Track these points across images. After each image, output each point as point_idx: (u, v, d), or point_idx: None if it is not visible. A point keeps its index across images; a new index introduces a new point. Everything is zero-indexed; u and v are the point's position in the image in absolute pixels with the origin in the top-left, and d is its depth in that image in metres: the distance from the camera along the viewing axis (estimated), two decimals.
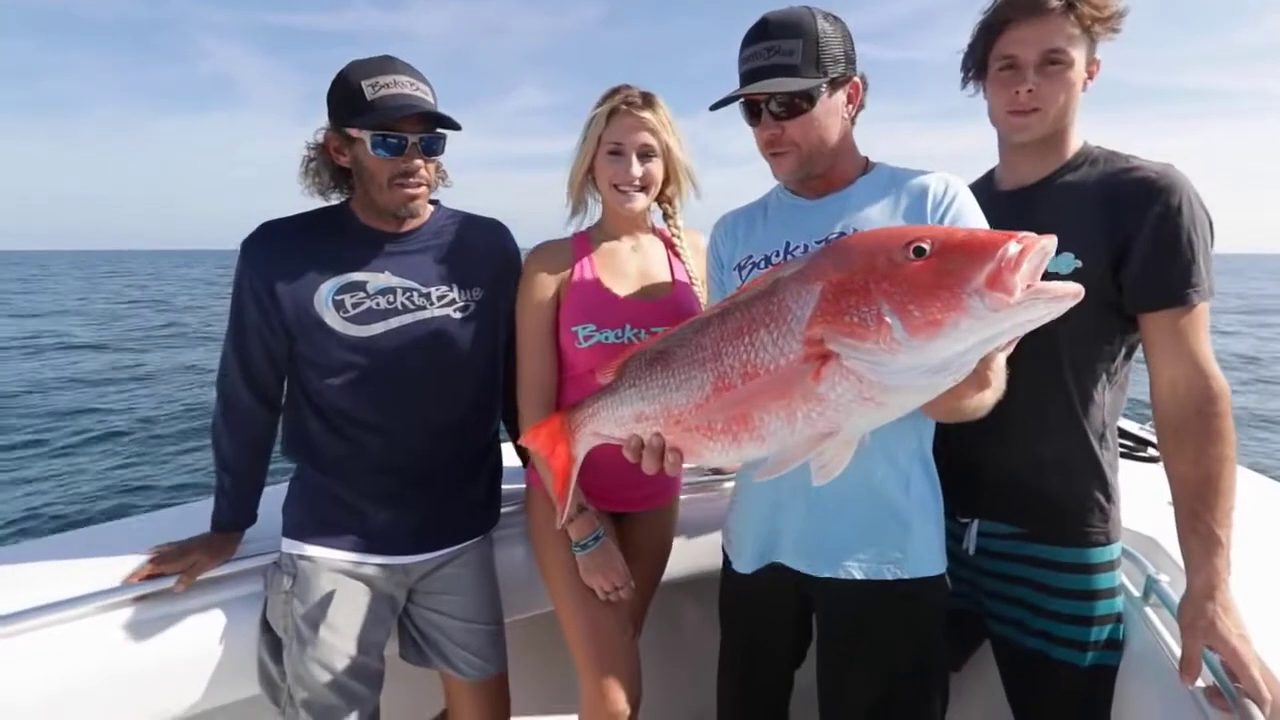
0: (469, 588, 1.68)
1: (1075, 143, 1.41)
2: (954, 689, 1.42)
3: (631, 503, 1.74)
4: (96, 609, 1.44)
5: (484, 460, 1.74)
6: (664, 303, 1.64)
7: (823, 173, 1.34)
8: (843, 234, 1.28)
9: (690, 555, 1.95)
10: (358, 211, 1.58)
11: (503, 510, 1.82)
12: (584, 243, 1.67)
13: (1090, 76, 1.37)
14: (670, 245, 1.74)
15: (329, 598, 1.52)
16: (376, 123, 1.43)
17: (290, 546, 1.57)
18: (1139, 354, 1.39)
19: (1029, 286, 0.77)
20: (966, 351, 0.83)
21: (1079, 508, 1.39)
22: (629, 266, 1.66)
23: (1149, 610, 1.44)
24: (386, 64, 1.46)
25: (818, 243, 1.30)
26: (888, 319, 0.84)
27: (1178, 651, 1.25)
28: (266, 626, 1.57)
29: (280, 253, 1.52)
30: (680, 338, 1.10)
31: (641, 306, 1.61)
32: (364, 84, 1.42)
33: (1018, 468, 1.42)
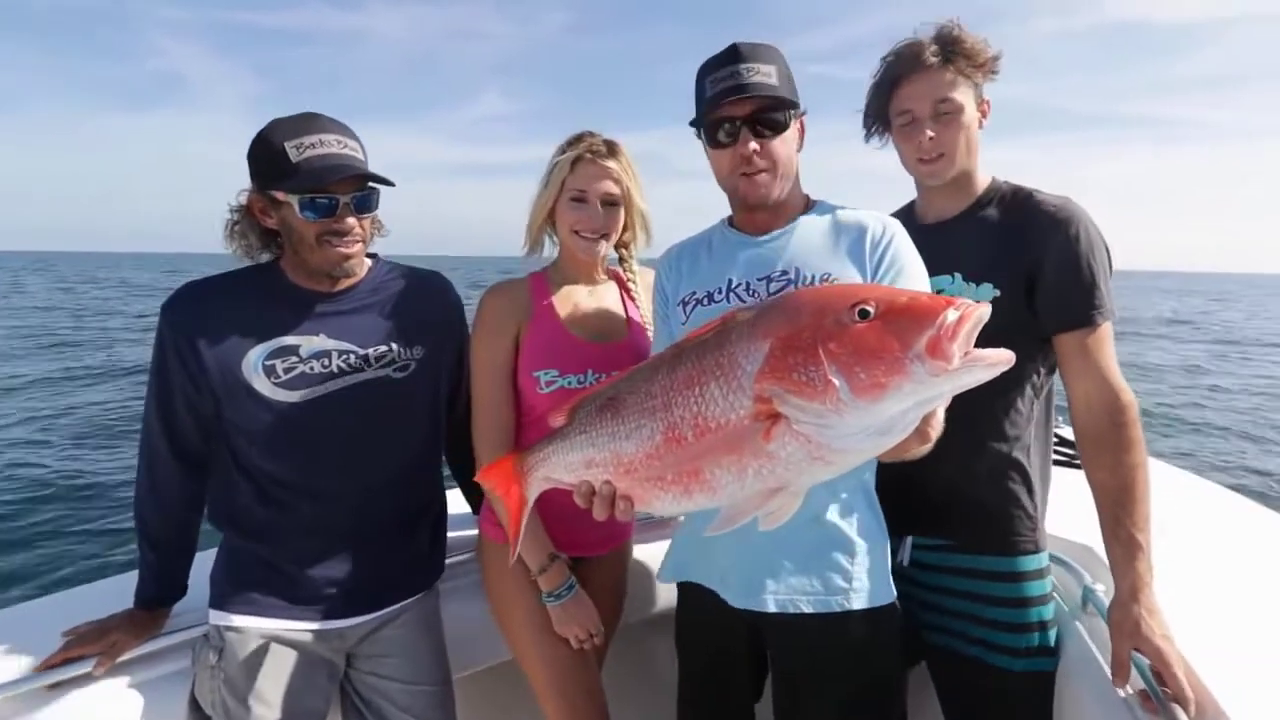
0: (411, 648, 1.62)
1: (983, 178, 1.55)
2: None
3: (589, 546, 1.73)
4: (5, 700, 1.32)
5: (424, 513, 1.69)
6: (622, 346, 1.65)
7: (773, 206, 1.37)
8: (784, 273, 1.32)
9: (650, 593, 1.95)
10: (288, 271, 1.53)
11: (448, 561, 1.77)
12: (542, 284, 1.67)
13: (984, 115, 1.50)
14: (624, 287, 1.76)
15: (259, 670, 1.44)
16: (305, 186, 1.38)
17: (217, 618, 1.49)
18: None
19: (966, 354, 0.81)
20: (907, 412, 0.87)
21: (1006, 517, 1.48)
22: (587, 310, 1.67)
23: (1085, 619, 1.51)
24: (311, 122, 1.41)
25: (759, 280, 1.33)
26: (834, 380, 0.86)
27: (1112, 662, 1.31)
28: (195, 705, 1.47)
29: (206, 314, 1.45)
30: (630, 385, 1.10)
31: (602, 350, 1.62)
32: (287, 145, 1.37)
33: (951, 481, 1.49)
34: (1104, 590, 1.50)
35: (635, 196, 1.62)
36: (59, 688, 1.38)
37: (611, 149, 1.59)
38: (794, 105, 1.31)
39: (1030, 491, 1.49)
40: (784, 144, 1.32)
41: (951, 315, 0.82)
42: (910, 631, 1.59)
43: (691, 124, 1.37)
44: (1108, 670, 1.33)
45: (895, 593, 1.35)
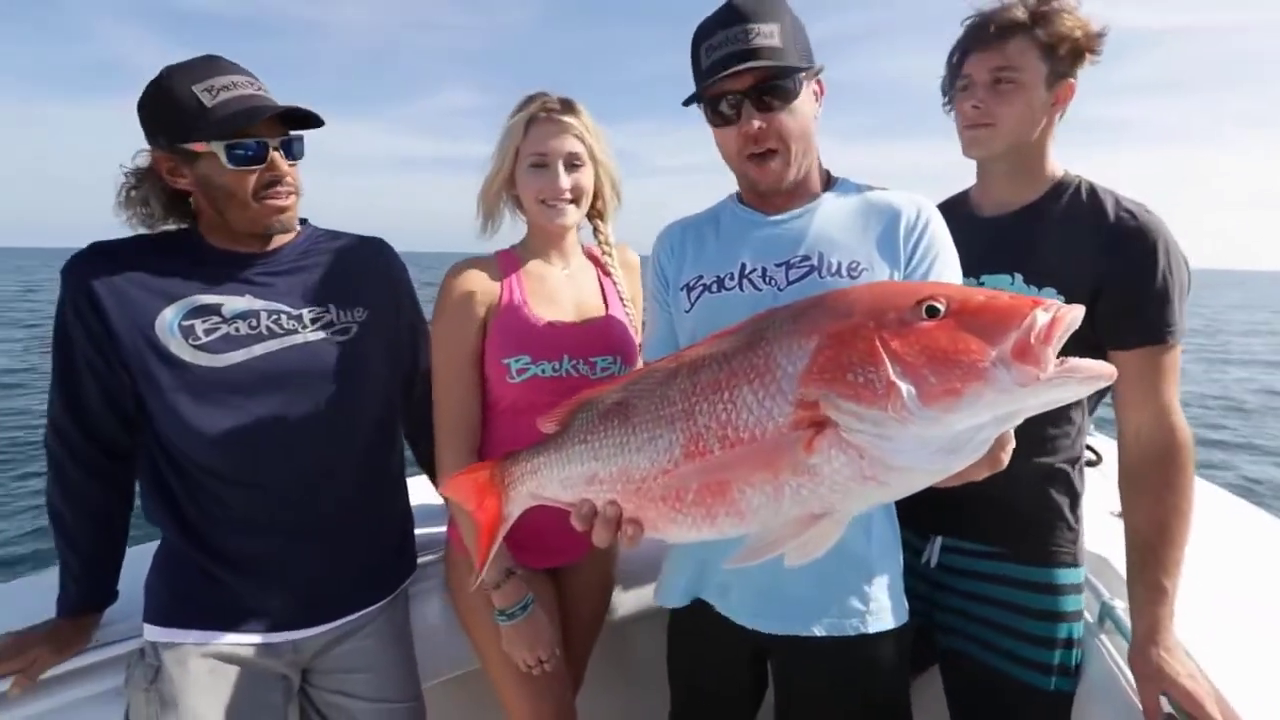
0: (378, 662, 1.46)
1: (1055, 169, 1.40)
2: None
3: (570, 552, 1.58)
4: None
5: (382, 506, 1.51)
6: (600, 327, 1.49)
7: (799, 179, 1.21)
8: (806, 258, 1.17)
9: (638, 589, 1.83)
10: (206, 235, 1.34)
11: (420, 559, 1.61)
12: (510, 261, 1.49)
13: (1060, 100, 1.35)
14: (600, 265, 1.60)
15: (201, 693, 1.27)
16: (228, 131, 1.20)
17: (152, 633, 1.31)
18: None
19: (1061, 362, 0.69)
20: (982, 428, 0.74)
21: (1048, 526, 1.39)
22: (561, 289, 1.50)
23: (1104, 638, 1.44)
24: (215, 64, 1.24)
25: (778, 265, 1.18)
26: (898, 382, 0.73)
27: (1134, 681, 1.26)
28: None
29: (112, 274, 1.25)
30: (643, 387, 0.95)
31: (578, 332, 1.45)
32: (196, 90, 1.19)
33: (991, 487, 1.39)
34: (1123, 608, 1.42)
35: (600, 154, 1.46)
36: None
37: (568, 105, 1.42)
38: (804, 68, 1.13)
39: (1074, 504, 1.40)
40: (795, 116, 1.14)
41: (1042, 317, 0.70)
42: (922, 633, 1.51)
43: (687, 102, 1.19)
44: (1129, 694, 1.28)
45: (909, 612, 1.26)
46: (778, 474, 0.82)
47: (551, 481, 1.03)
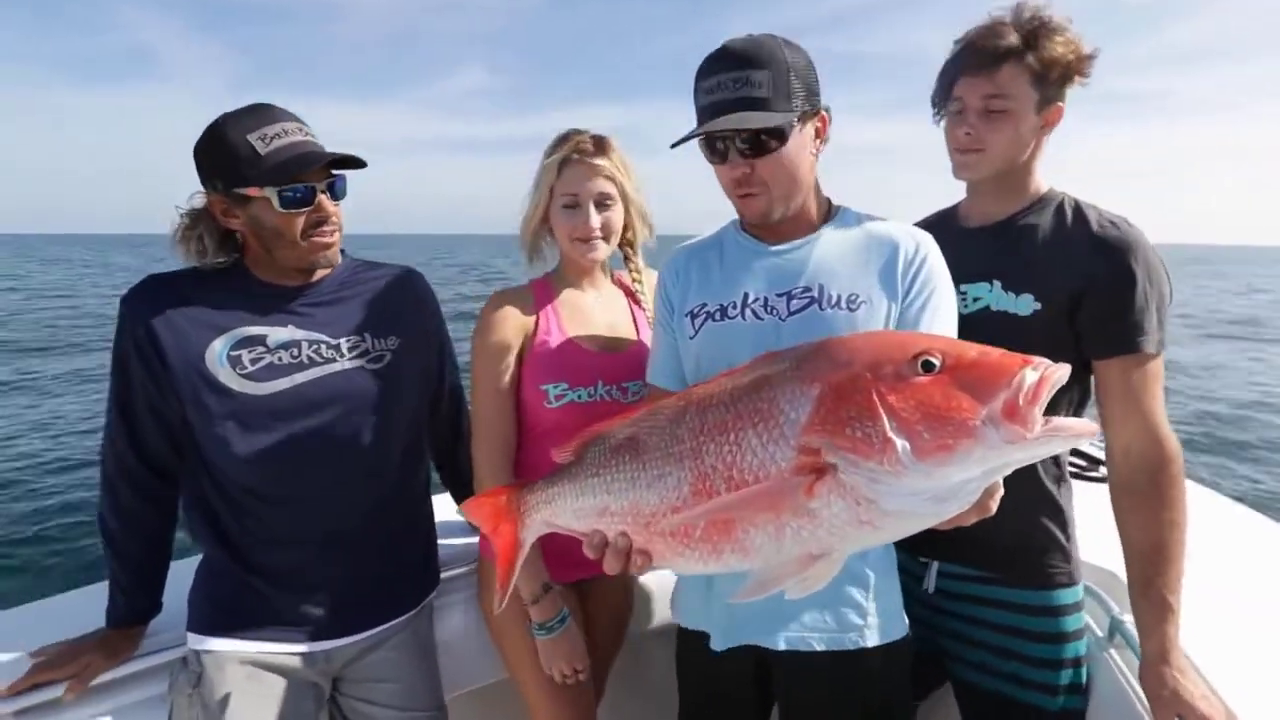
0: (404, 672, 1.54)
1: (1039, 184, 1.43)
2: None
3: (594, 565, 1.64)
4: None
5: (411, 522, 1.59)
6: (631, 355, 1.56)
7: (788, 219, 1.26)
8: (807, 290, 1.21)
9: (651, 604, 1.88)
10: (253, 269, 1.43)
11: (444, 574, 1.69)
12: (546, 291, 1.57)
13: (1049, 123, 1.37)
14: (630, 294, 1.66)
15: (240, 698, 1.35)
16: (281, 178, 1.29)
17: (195, 642, 1.39)
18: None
19: (1047, 422, 0.72)
20: (971, 480, 0.78)
21: (1040, 549, 1.40)
22: (595, 318, 1.57)
23: (1114, 653, 1.45)
24: (266, 113, 1.32)
25: (779, 296, 1.23)
26: (894, 437, 0.77)
27: (1144, 697, 1.28)
28: None
29: (167, 306, 1.35)
30: (652, 424, 0.99)
31: (611, 361, 1.53)
32: (251, 139, 1.28)
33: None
34: (1132, 622, 1.43)
35: (632, 194, 1.53)
36: (25, 714, 1.29)
37: (600, 146, 1.49)
38: (791, 116, 1.15)
39: (1064, 525, 1.41)
40: (778, 163, 1.17)
41: (1031, 376, 0.74)
42: (932, 659, 1.55)
43: (678, 144, 1.22)
44: (1140, 709, 1.29)
45: (908, 624, 1.30)
46: (780, 515, 0.86)
47: (565, 511, 1.08)
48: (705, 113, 1.17)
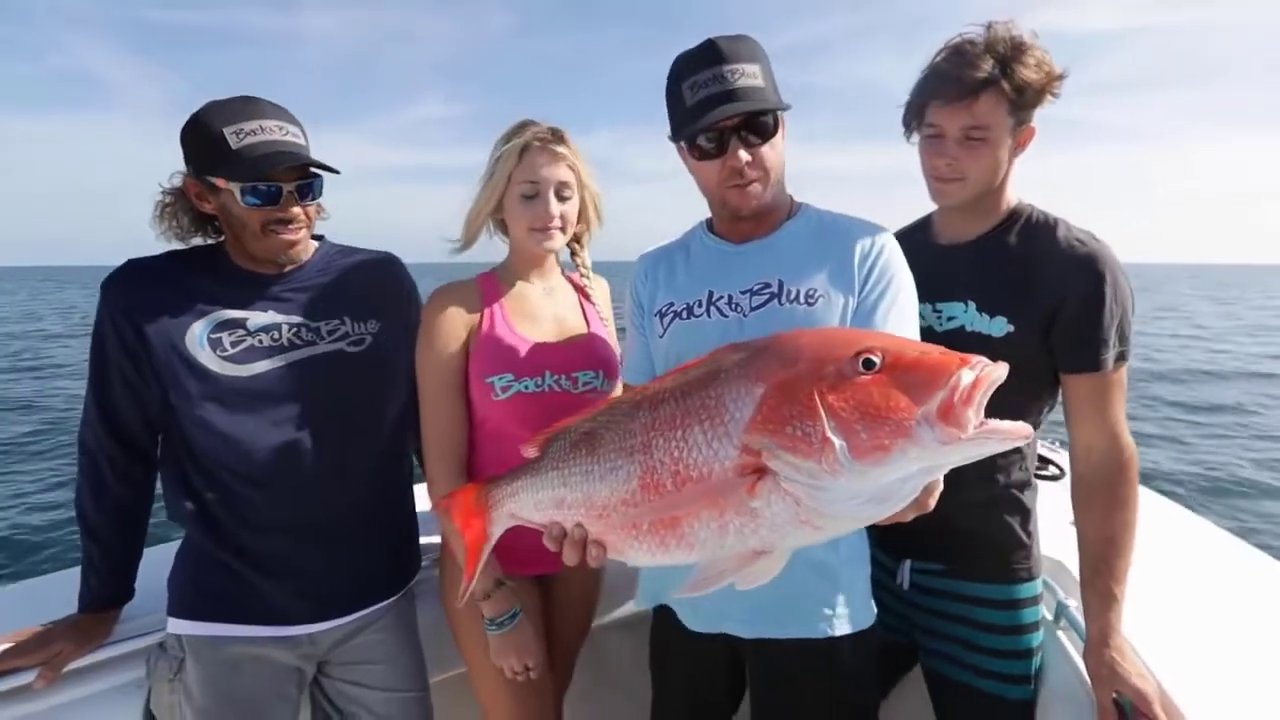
0: (390, 654, 1.55)
1: (1010, 200, 1.44)
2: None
3: (558, 560, 1.64)
4: None
5: (396, 508, 1.60)
6: (580, 344, 1.55)
7: (768, 206, 1.27)
8: (767, 285, 1.23)
9: (624, 596, 1.89)
10: (232, 254, 1.44)
11: (424, 561, 1.70)
12: (491, 285, 1.54)
13: (1022, 145, 1.39)
14: (580, 289, 1.66)
15: (222, 681, 1.37)
16: (246, 174, 1.30)
17: (176, 626, 1.41)
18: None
19: (981, 423, 0.72)
20: (908, 479, 0.78)
21: (1002, 547, 1.45)
22: (541, 308, 1.56)
23: (1060, 634, 1.52)
24: (250, 106, 1.31)
25: (743, 293, 1.25)
26: (832, 438, 0.77)
27: (1088, 681, 1.34)
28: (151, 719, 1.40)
29: (147, 290, 1.36)
30: (609, 419, 1.00)
31: (559, 349, 1.51)
32: (226, 131, 1.28)
33: (945, 511, 1.43)
34: (1076, 606, 1.49)
35: (588, 181, 1.52)
36: None
37: (558, 135, 1.47)
38: (784, 107, 1.20)
39: (1025, 522, 1.46)
40: (774, 150, 1.22)
41: (967, 377, 0.73)
42: (904, 650, 1.60)
43: (671, 138, 1.24)
44: (1083, 688, 1.36)
45: (876, 614, 1.32)
46: (723, 513, 0.87)
47: (527, 504, 1.09)
48: (701, 107, 1.16)
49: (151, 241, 1.43)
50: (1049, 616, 1.56)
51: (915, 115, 1.43)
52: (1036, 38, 1.31)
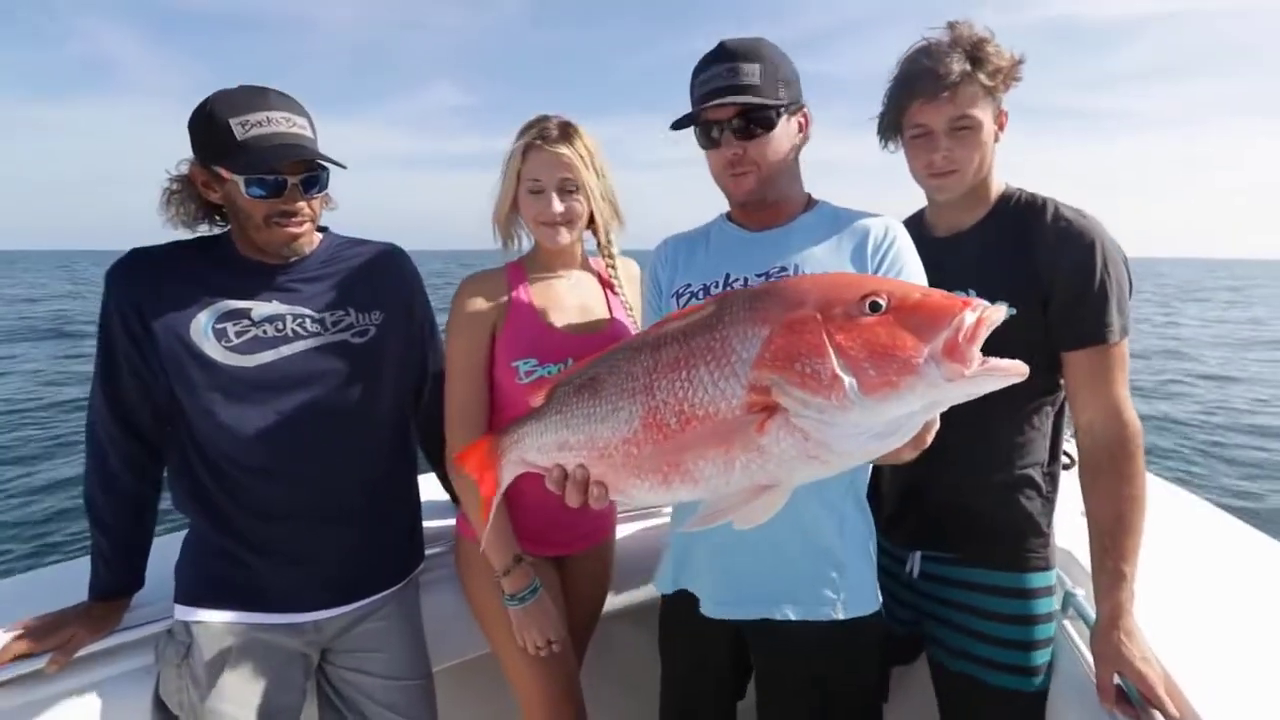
0: (393, 642, 1.56)
1: (997, 186, 1.48)
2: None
3: (571, 544, 1.68)
4: None
5: (398, 498, 1.61)
6: (603, 336, 1.59)
7: (773, 202, 1.34)
8: (783, 270, 1.29)
9: (632, 584, 1.90)
10: (237, 243, 1.45)
11: (427, 551, 1.71)
12: (519, 274, 1.59)
13: (1000, 128, 1.43)
14: (604, 280, 1.69)
15: (229, 667, 1.37)
16: (250, 167, 1.31)
17: (183, 613, 1.41)
18: None
19: (984, 362, 0.76)
20: (914, 415, 0.82)
21: (1018, 533, 1.44)
22: (566, 299, 1.60)
23: (1067, 623, 1.50)
24: (257, 97, 1.33)
25: (758, 276, 1.30)
26: (841, 374, 0.80)
27: (1092, 662, 1.33)
28: (160, 705, 1.40)
29: (152, 280, 1.37)
30: (610, 363, 1.03)
31: (582, 340, 1.55)
32: (232, 122, 1.29)
33: (960, 497, 1.45)
34: (1085, 595, 1.48)
35: (592, 184, 1.52)
36: (7, 687, 1.30)
37: (565, 133, 1.50)
38: (780, 105, 1.26)
39: (1044, 508, 1.45)
40: (769, 145, 1.28)
41: (970, 317, 0.77)
42: (911, 640, 1.60)
43: (678, 125, 1.31)
44: (1089, 676, 1.34)
45: (880, 600, 1.34)
46: (730, 450, 0.89)
47: (531, 448, 1.12)
48: (701, 100, 1.26)
49: (159, 229, 1.45)
50: (1057, 607, 1.52)
51: (893, 123, 1.47)
52: (990, 32, 1.38)
